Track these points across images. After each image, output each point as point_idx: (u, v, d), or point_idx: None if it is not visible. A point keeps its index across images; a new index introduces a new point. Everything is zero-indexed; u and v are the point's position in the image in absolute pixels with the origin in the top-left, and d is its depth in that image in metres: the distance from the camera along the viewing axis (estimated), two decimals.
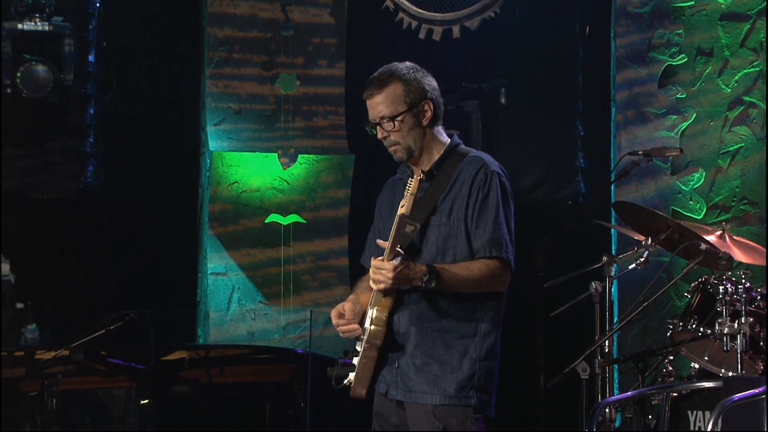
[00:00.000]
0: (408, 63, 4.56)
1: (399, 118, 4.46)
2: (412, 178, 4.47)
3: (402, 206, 4.40)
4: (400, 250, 4.36)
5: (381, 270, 4.32)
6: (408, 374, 4.42)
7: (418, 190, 4.48)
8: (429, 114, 4.50)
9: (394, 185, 4.67)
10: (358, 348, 4.44)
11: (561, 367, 5.38)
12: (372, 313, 4.39)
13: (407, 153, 4.50)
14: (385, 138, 4.50)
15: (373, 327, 4.37)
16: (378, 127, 4.51)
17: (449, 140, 4.57)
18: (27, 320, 7.06)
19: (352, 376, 4.44)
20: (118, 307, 6.81)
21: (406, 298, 4.43)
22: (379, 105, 4.48)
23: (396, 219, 4.37)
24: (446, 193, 4.47)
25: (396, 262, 4.32)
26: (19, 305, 7.09)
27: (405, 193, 4.43)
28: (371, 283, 4.40)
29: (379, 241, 4.43)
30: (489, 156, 4.56)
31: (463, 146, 4.59)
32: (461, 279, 4.36)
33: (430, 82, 4.54)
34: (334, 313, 4.52)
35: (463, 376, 4.38)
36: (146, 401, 6.70)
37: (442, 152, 4.53)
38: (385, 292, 4.39)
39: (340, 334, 4.51)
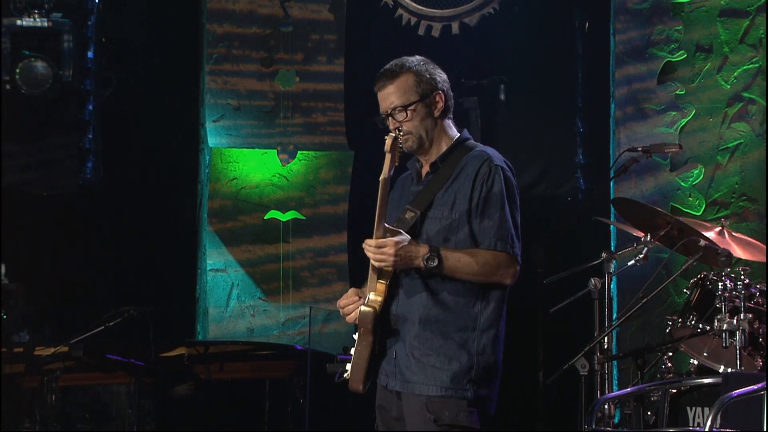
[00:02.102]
0: (418, 56, 4.59)
1: (411, 108, 4.48)
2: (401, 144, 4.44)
3: (383, 172, 4.35)
4: (397, 229, 4.33)
5: (383, 249, 4.31)
6: (405, 365, 4.41)
7: (422, 182, 4.49)
8: (440, 105, 4.52)
9: (404, 182, 4.67)
10: (356, 338, 4.43)
11: (560, 364, 5.38)
12: (368, 297, 4.39)
13: (418, 143, 4.50)
14: (396, 129, 4.50)
15: (363, 308, 4.36)
16: (390, 118, 4.51)
17: (458, 134, 4.57)
18: (18, 326, 7.05)
19: (349, 367, 4.43)
20: (118, 304, 6.82)
21: (406, 288, 4.42)
22: (390, 96, 4.49)
23: (380, 185, 4.32)
24: (449, 185, 4.47)
25: (398, 239, 4.31)
26: (16, 311, 7.08)
27: (386, 156, 4.38)
28: (372, 262, 4.36)
29: (386, 225, 4.41)
30: (495, 151, 4.56)
31: (471, 141, 4.60)
32: (464, 264, 4.34)
33: (441, 75, 4.57)
34: (341, 299, 4.51)
35: (460, 369, 4.37)
36: (145, 398, 6.71)
37: (450, 145, 4.53)
38: (380, 276, 4.37)
39: (347, 318, 4.48)
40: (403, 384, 4.42)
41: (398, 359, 4.43)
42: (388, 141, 4.37)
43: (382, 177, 4.35)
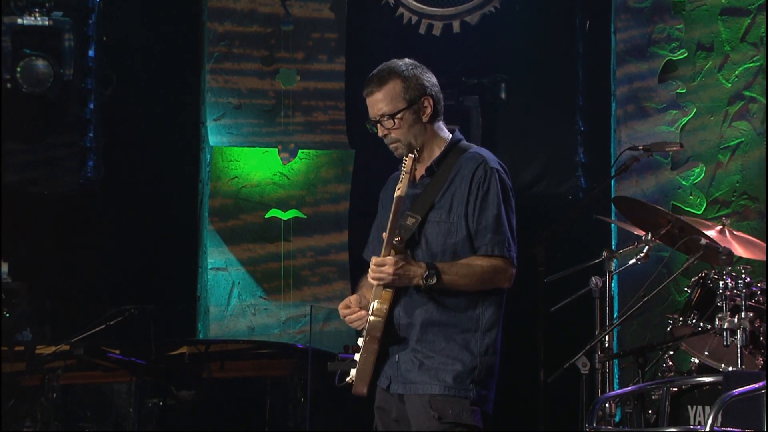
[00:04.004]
0: (407, 59, 4.56)
1: (399, 116, 4.47)
2: (405, 158, 4.46)
3: (398, 188, 4.40)
4: (399, 243, 4.36)
5: (381, 267, 4.33)
6: (408, 368, 4.42)
7: (417, 186, 4.50)
8: (429, 110, 4.50)
9: (396, 180, 4.66)
10: (360, 343, 4.44)
11: (561, 362, 5.38)
12: (373, 305, 4.40)
13: (408, 150, 4.50)
14: (385, 136, 4.51)
15: (372, 318, 4.38)
16: (378, 125, 4.51)
17: (450, 136, 4.57)
18: (21, 325, 7.06)
19: (353, 372, 4.44)
20: (118, 302, 6.81)
21: (408, 292, 4.43)
22: (378, 103, 4.48)
23: (394, 201, 4.37)
24: (445, 188, 4.47)
25: (397, 258, 4.32)
26: (19, 309, 7.09)
27: (401, 174, 4.43)
28: (371, 281, 4.40)
29: (384, 234, 4.42)
30: (489, 152, 4.56)
31: (464, 142, 4.59)
32: (462, 276, 4.36)
33: (430, 78, 4.54)
34: (341, 306, 4.52)
35: (463, 369, 4.38)
36: (146, 396, 6.71)
37: (443, 148, 4.53)
38: (385, 285, 4.39)
39: (350, 325, 4.51)
40: (405, 386, 4.43)
41: (400, 363, 4.44)
42: (408, 162, 4.40)
43: (397, 194, 4.38)
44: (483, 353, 4.41)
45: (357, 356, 4.43)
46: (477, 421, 4.39)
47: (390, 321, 4.41)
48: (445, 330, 4.41)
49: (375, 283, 4.37)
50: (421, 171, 4.53)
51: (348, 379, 4.44)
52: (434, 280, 4.33)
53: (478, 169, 4.45)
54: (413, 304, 4.43)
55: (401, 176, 4.42)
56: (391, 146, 4.52)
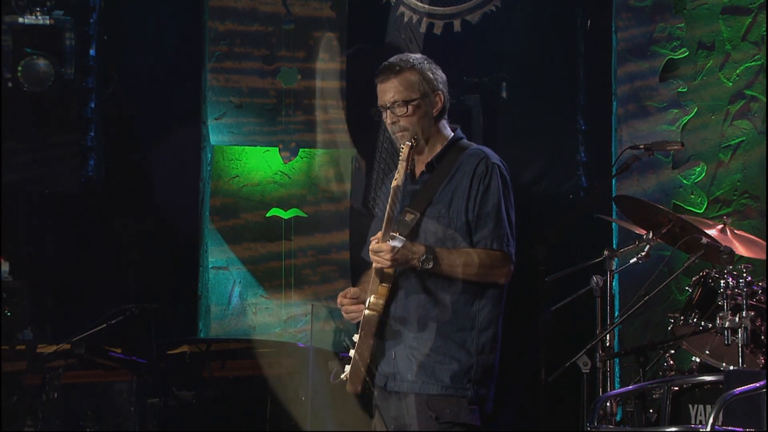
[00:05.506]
0: (419, 54, 4.61)
1: (413, 103, 4.50)
2: (402, 146, 4.47)
3: (395, 179, 4.42)
4: (395, 234, 4.36)
5: (379, 252, 4.34)
6: (405, 366, 4.43)
7: (417, 182, 4.51)
8: (439, 105, 4.55)
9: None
10: (355, 339, 4.45)
11: (562, 361, 5.39)
12: (370, 299, 4.41)
13: (414, 140, 4.51)
14: (394, 123, 4.53)
15: (368, 312, 4.40)
16: (388, 112, 4.53)
17: (452, 134, 4.59)
18: (22, 324, 7.06)
19: (348, 369, 4.45)
20: (120, 302, 6.82)
21: (406, 289, 4.44)
22: (392, 90, 4.52)
23: (390, 192, 4.39)
24: (446, 184, 4.50)
25: (394, 243, 4.33)
26: (20, 308, 7.09)
27: (399, 164, 4.44)
28: (373, 263, 4.40)
29: (373, 239, 4.43)
30: (489, 149, 4.58)
31: (465, 140, 4.62)
32: (460, 264, 4.38)
33: (441, 76, 4.61)
34: (341, 294, 4.53)
35: (460, 368, 4.39)
36: (147, 395, 6.71)
37: (444, 145, 4.55)
38: (381, 279, 4.40)
39: (346, 316, 4.51)
40: (403, 384, 4.43)
41: (397, 360, 4.45)
42: (405, 150, 4.43)
43: (394, 184, 4.41)
44: (479, 352, 4.42)
45: (352, 353, 4.44)
46: (475, 420, 4.39)
47: (386, 316, 4.42)
48: (442, 327, 4.41)
49: (376, 265, 4.39)
50: (420, 167, 4.56)
51: (342, 376, 4.45)
52: (431, 264, 4.35)
53: (480, 164, 4.47)
54: (409, 300, 4.44)
55: (398, 166, 4.43)
56: (397, 134, 4.54)
